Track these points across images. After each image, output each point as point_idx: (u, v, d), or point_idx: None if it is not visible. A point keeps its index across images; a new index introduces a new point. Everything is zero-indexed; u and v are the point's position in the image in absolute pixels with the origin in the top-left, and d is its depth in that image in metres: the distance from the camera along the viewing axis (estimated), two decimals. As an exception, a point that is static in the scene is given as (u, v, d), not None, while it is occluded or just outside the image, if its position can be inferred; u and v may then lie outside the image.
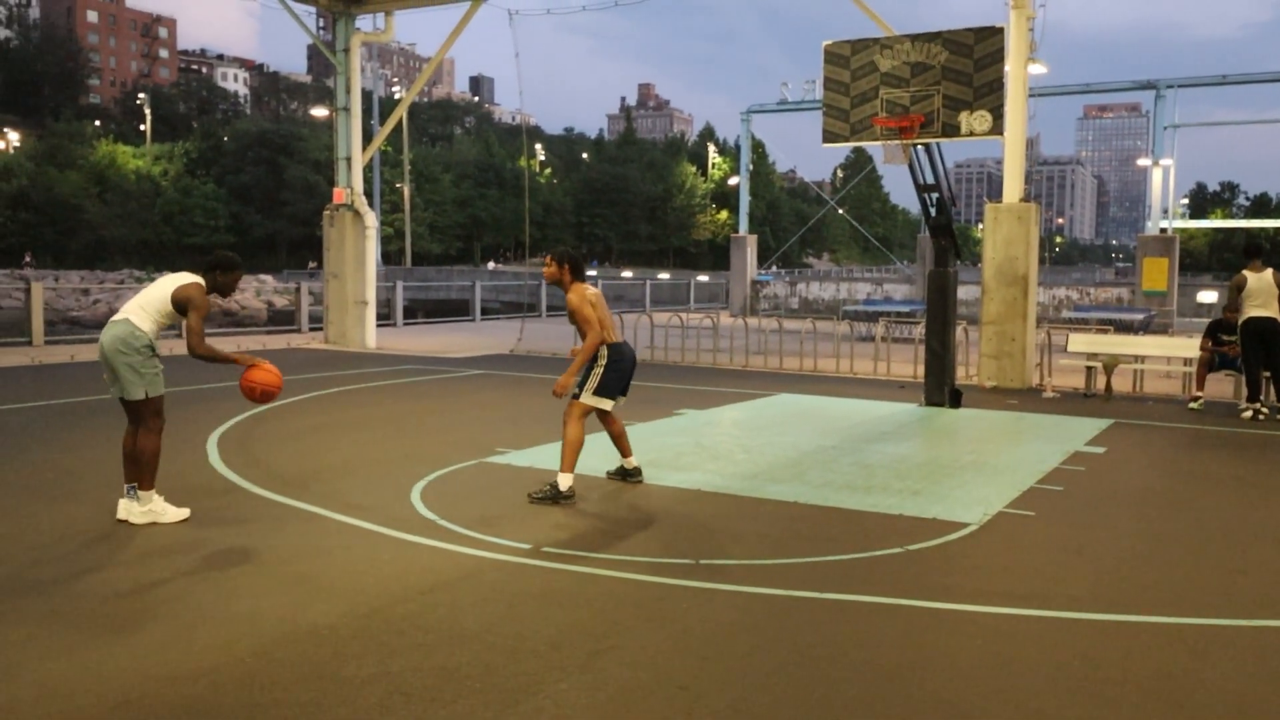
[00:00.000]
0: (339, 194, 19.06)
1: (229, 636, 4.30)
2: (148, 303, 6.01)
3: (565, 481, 6.82)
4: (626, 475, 7.53)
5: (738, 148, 46.60)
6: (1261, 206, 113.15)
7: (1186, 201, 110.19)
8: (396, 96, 72.81)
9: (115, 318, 6.02)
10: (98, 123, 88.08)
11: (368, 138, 20.30)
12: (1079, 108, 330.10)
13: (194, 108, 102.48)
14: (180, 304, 5.96)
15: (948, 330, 12.22)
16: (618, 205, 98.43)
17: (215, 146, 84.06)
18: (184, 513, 6.13)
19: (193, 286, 6.00)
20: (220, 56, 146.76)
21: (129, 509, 6.03)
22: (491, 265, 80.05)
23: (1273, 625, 4.67)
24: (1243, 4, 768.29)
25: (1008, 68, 12.14)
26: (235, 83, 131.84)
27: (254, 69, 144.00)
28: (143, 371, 5.91)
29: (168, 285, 6.06)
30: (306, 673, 3.95)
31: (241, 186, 79.86)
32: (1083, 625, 4.64)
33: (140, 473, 6.00)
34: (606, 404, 7.09)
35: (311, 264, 70.77)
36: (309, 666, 4.01)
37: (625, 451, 7.46)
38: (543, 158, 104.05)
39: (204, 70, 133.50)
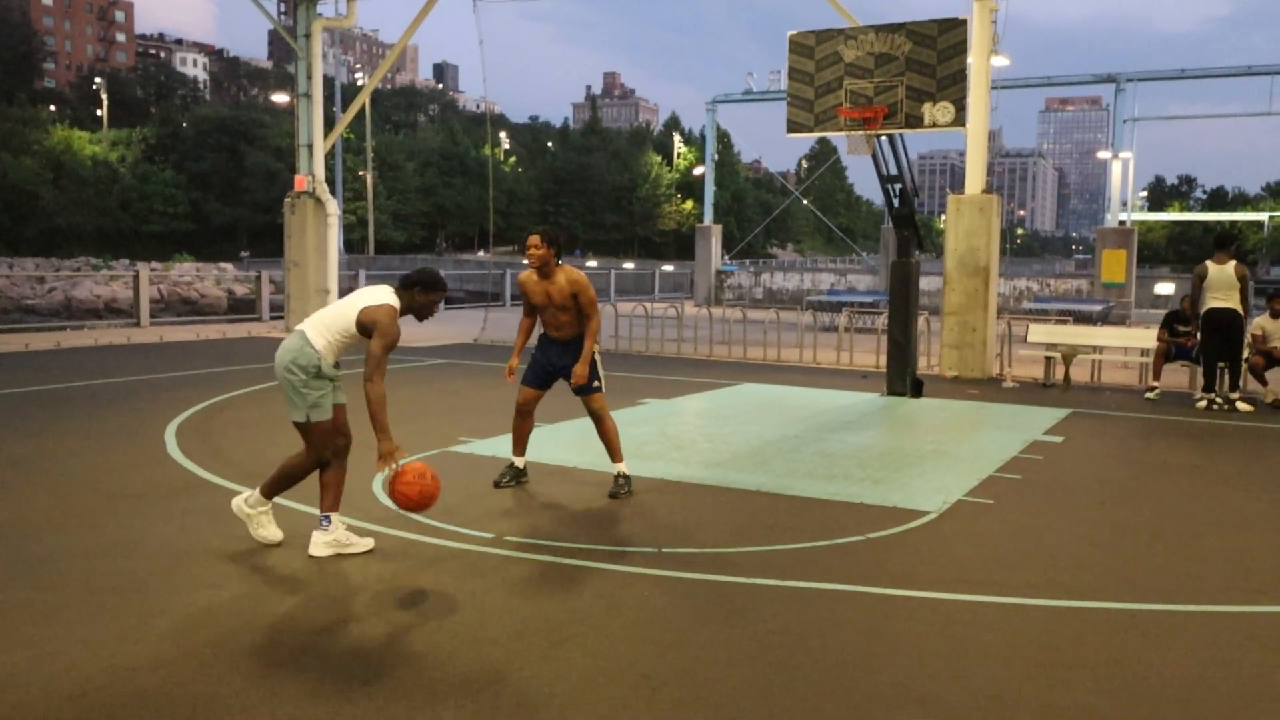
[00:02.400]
0: (300, 181, 18.85)
1: (187, 627, 4.26)
2: (331, 320, 5.22)
3: (626, 468, 6.78)
4: (520, 475, 7.05)
5: (703, 138, 46.62)
6: (1218, 200, 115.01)
7: (1145, 194, 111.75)
8: (359, 83, 72.12)
9: (296, 328, 5.32)
10: (53, 107, 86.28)
11: (330, 124, 20.08)
12: (1041, 100, 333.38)
13: (152, 93, 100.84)
14: (366, 326, 5.14)
15: (910, 320, 12.33)
16: (583, 195, 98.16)
17: (174, 133, 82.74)
18: (369, 543, 5.33)
19: (384, 310, 5.14)
20: (179, 41, 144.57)
21: (316, 542, 5.26)
22: (482, 254, 79.05)
23: (1223, 611, 4.77)
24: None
25: (970, 60, 12.24)
26: (195, 68, 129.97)
27: (214, 54, 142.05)
28: (305, 393, 5.20)
29: (356, 303, 5.20)
30: (269, 662, 3.92)
31: (201, 173, 78.70)
32: (1039, 611, 4.71)
33: (277, 487, 5.39)
34: None
35: (244, 253, 69.90)
36: (271, 656, 3.98)
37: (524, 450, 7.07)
38: (507, 146, 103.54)
39: (162, 55, 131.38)
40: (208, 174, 78.70)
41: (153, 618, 4.36)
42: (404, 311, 5.27)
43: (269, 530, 5.44)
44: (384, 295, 5.19)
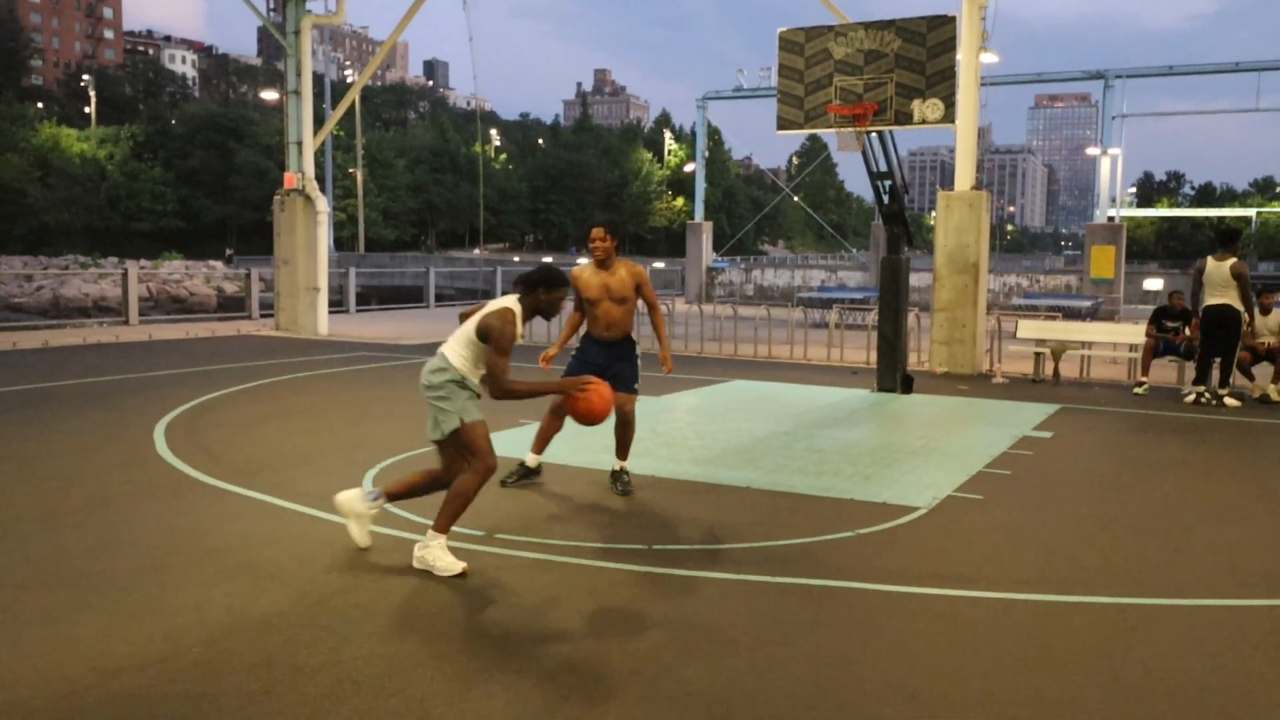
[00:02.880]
0: (290, 179, 18.78)
1: (176, 626, 4.25)
2: (459, 336, 5.16)
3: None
4: (532, 474, 7.00)
5: (694, 135, 46.61)
6: (1206, 196, 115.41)
7: (1134, 191, 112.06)
8: (349, 80, 71.83)
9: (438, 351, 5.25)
10: (40, 105, 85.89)
11: (320, 122, 20.03)
12: (1030, 97, 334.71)
13: (140, 90, 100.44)
14: (483, 334, 4.97)
15: (900, 317, 12.35)
16: (574, 192, 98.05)
17: (163, 130, 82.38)
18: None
19: (495, 314, 4.96)
20: (167, 38, 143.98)
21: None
22: (477, 252, 78.75)
23: (1209, 604, 4.79)
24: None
25: (960, 56, 12.25)
26: (183, 65, 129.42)
27: (202, 51, 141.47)
28: (452, 399, 5.02)
29: (479, 315, 5.12)
30: (255, 661, 3.91)
31: (190, 171, 78.37)
32: (1028, 606, 4.73)
33: (441, 509, 5.04)
34: None
35: (229, 250, 69.61)
36: (258, 655, 3.97)
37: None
38: (498, 143, 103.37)
39: (150, 52, 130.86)
40: (197, 171, 78.38)
41: (141, 617, 4.35)
42: (530, 313, 5.18)
43: (450, 562, 4.99)
44: (504, 302, 5.09)
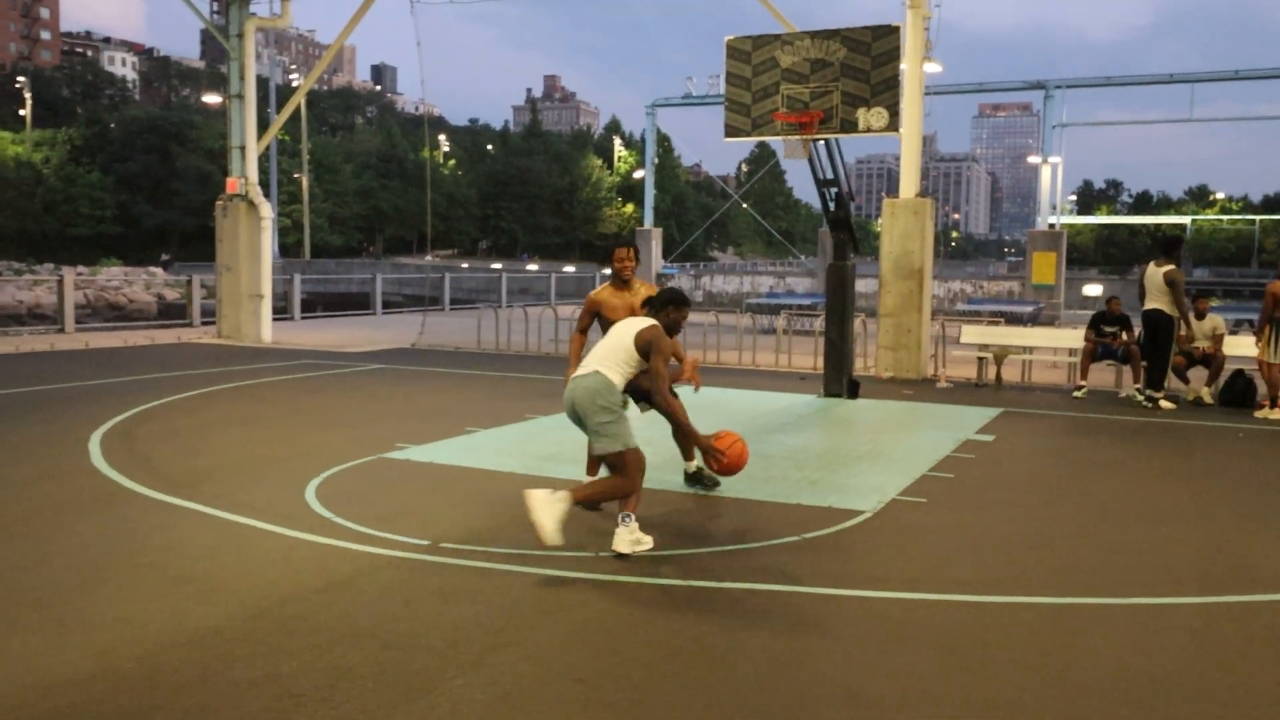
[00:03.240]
0: (232, 184, 18.51)
1: (109, 642, 4.15)
2: (612, 353, 5.67)
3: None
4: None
5: (643, 141, 46.72)
6: (1144, 204, 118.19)
7: (1074, 198, 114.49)
8: (295, 84, 70.98)
9: (582, 371, 5.69)
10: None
11: (264, 126, 19.74)
12: (974, 106, 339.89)
13: (78, 92, 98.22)
14: (644, 349, 5.60)
15: (846, 322, 12.47)
16: (523, 198, 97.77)
17: (101, 133, 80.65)
18: (649, 541, 5.58)
19: (654, 329, 5.65)
20: (107, 39, 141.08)
21: (618, 537, 5.51)
22: (430, 258, 77.58)
23: (1144, 603, 4.89)
24: (1125, 7, 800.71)
25: (904, 66, 12.42)
26: (123, 67, 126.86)
27: (143, 53, 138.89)
28: (617, 428, 5.55)
29: (627, 332, 5.68)
30: (191, 677, 3.83)
31: (130, 175, 76.83)
32: (969, 607, 4.79)
33: (588, 488, 5.72)
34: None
35: (164, 256, 68.35)
36: (194, 670, 3.89)
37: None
38: (447, 149, 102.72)
39: (89, 53, 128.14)
40: (137, 176, 76.85)
41: (73, 632, 4.25)
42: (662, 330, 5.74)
43: (554, 524, 5.25)
44: (648, 321, 5.73)
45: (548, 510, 5.25)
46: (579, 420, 5.68)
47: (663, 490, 7.08)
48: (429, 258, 79.14)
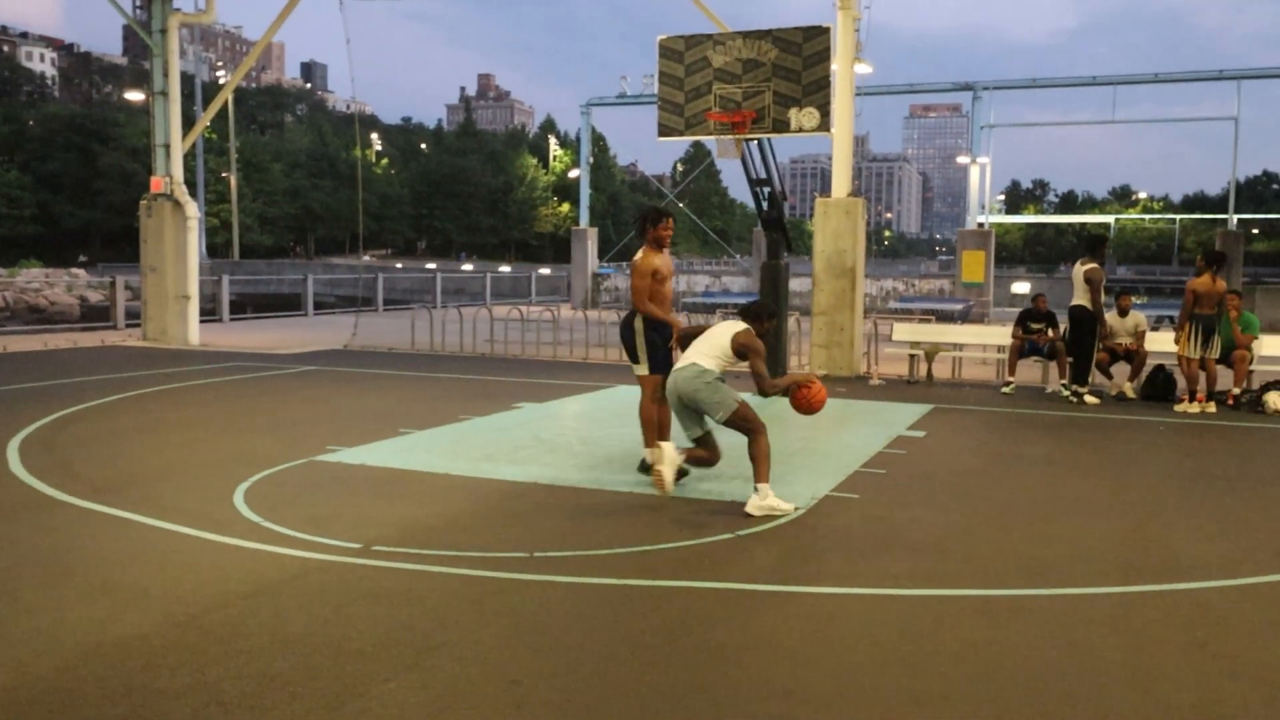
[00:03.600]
0: (157, 183, 18.06)
1: (27, 653, 4.02)
2: (709, 348, 6.64)
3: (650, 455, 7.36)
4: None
5: (578, 140, 46.66)
6: (1069, 203, 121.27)
7: (1003, 198, 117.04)
8: (222, 81, 69.48)
9: (680, 365, 6.69)
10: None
11: (190, 124, 19.30)
12: (905, 107, 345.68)
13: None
14: (741, 351, 6.57)
15: (780, 321, 12.57)
16: (458, 197, 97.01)
17: (19, 131, 78.11)
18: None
19: (745, 334, 6.62)
20: (24, 34, 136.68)
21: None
22: (368, 258, 76.48)
23: (1069, 593, 5.01)
24: (1052, 11, 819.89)
25: (835, 66, 12.58)
26: (42, 63, 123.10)
27: (63, 49, 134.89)
28: (718, 393, 6.49)
29: (724, 333, 6.64)
30: (114, 687, 3.73)
31: (50, 174, 74.53)
32: (899, 601, 4.87)
33: (756, 469, 6.46)
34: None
35: (83, 257, 66.28)
36: (117, 680, 3.79)
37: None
38: (379, 148, 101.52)
39: (5, 49, 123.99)
40: (57, 175, 74.58)
41: (-11, 645, 4.11)
42: (758, 335, 6.71)
43: (784, 505, 6.42)
44: (738, 325, 6.69)
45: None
46: (685, 406, 6.59)
47: (598, 490, 7.07)
48: (367, 257, 78.27)
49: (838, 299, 14.46)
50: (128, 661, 3.97)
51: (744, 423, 6.50)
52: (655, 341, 7.30)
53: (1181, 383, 11.70)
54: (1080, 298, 11.63)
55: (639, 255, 7.33)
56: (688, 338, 6.96)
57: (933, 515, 6.53)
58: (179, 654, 4.04)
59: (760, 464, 6.44)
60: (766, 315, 6.90)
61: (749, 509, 6.34)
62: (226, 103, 47.03)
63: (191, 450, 8.27)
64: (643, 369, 7.38)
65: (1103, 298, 11.82)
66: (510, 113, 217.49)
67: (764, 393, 6.62)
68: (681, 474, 7.14)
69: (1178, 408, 11.44)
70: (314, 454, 8.09)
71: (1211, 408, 11.27)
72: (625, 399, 11.78)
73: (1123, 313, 12.57)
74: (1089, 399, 11.78)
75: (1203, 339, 11.17)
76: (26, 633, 4.25)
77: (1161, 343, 12.65)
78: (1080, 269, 11.61)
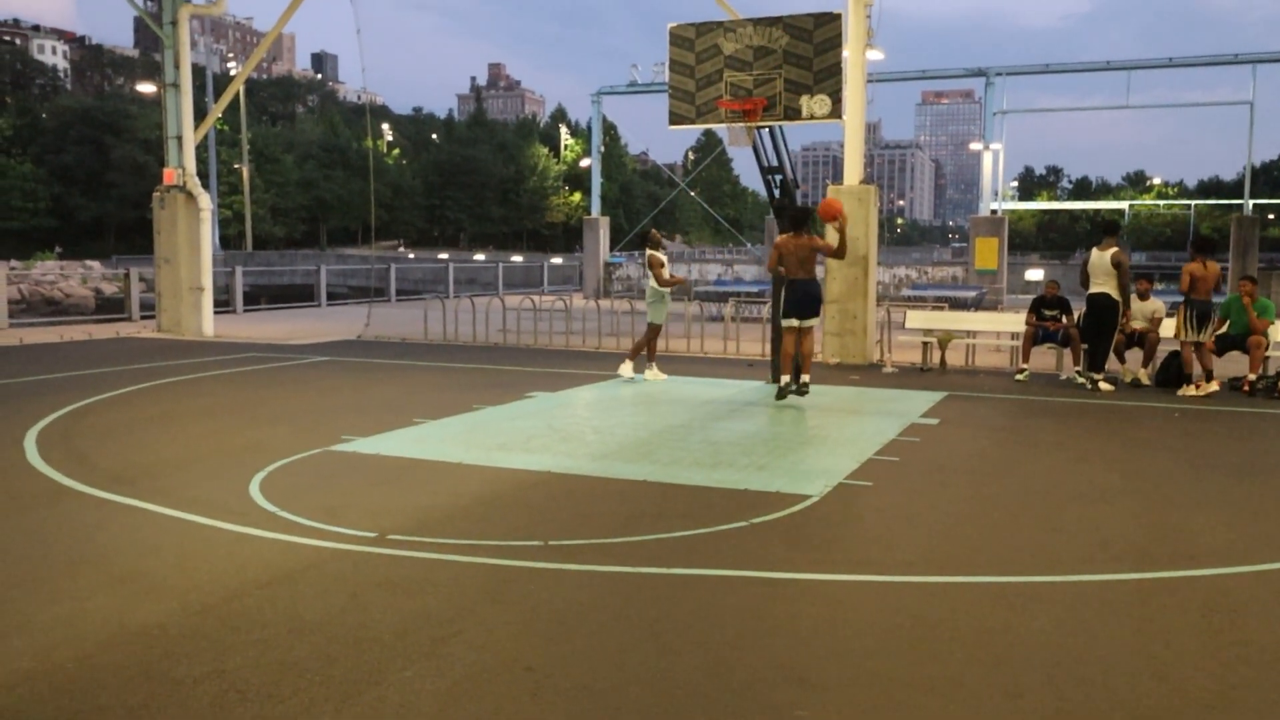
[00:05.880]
0: (169, 175, 18.14)
1: (47, 642, 4.06)
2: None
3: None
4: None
5: (589, 129, 46.56)
6: (1083, 189, 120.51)
7: (1016, 184, 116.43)
8: (232, 72, 69.58)
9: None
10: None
11: (202, 115, 19.35)
12: (917, 94, 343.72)
13: (7, 82, 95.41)
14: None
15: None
16: (469, 187, 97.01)
17: (32, 124, 78.52)
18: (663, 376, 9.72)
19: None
20: (36, 27, 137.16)
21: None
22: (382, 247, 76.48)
23: (1084, 580, 5.00)
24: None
25: (846, 53, 12.51)
26: (54, 55, 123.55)
27: (75, 41, 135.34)
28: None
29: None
30: (134, 675, 3.76)
31: (63, 167, 74.92)
32: (914, 588, 4.87)
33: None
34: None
35: (56, 248, 66.37)
36: (136, 669, 3.82)
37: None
38: (390, 138, 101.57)
39: (18, 42, 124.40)
40: (71, 168, 74.96)
41: (9, 634, 4.15)
42: None
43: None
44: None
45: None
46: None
47: (611, 479, 7.08)
48: (372, 251, 78.29)
49: (850, 287, 14.42)
50: (147, 649, 4.00)
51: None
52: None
53: (1196, 369, 11.66)
54: (1104, 284, 11.44)
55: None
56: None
57: (946, 503, 6.52)
58: (196, 642, 4.07)
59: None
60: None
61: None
62: (238, 94, 47.15)
63: (207, 441, 8.31)
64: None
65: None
66: (521, 102, 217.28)
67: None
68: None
69: (1179, 391, 11.45)
70: (329, 444, 8.12)
71: (1214, 386, 11.42)
72: (638, 388, 11.80)
73: (1142, 296, 12.53)
74: (1104, 385, 11.72)
75: (1197, 323, 11.24)
76: (46, 622, 4.29)
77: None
78: (1104, 254, 11.44)
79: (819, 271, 11.36)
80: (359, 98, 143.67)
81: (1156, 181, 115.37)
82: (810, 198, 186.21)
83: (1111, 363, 12.20)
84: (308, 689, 3.66)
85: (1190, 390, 11.33)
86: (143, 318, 20.91)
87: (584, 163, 72.17)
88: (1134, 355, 12.55)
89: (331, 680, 3.73)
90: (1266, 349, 11.78)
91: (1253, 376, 11.52)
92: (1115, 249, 11.48)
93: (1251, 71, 33.36)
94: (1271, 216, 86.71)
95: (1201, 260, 11.30)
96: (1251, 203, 36.08)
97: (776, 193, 12.54)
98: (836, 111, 11.53)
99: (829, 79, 11.50)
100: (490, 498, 6.55)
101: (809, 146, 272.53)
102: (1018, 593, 4.81)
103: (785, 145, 12.31)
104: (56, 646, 4.02)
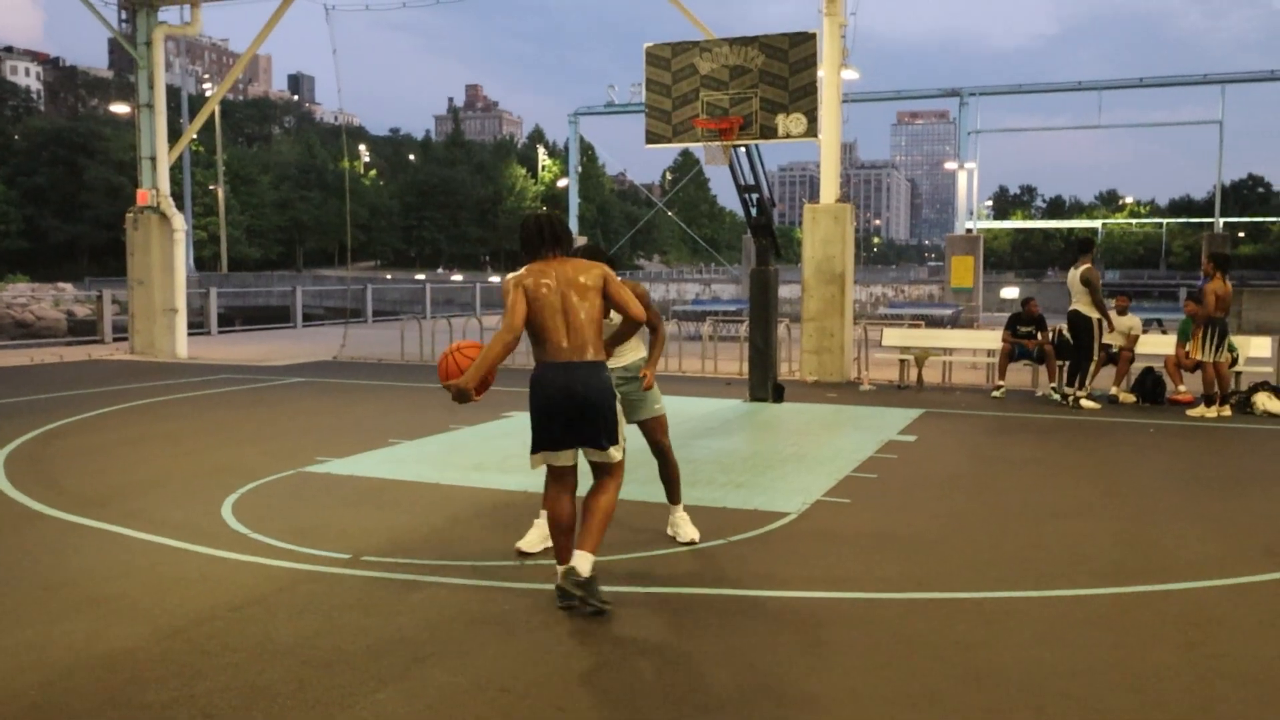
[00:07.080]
0: (143, 196, 18.00)
1: (11, 668, 3.98)
2: None
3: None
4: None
5: (567, 150, 46.69)
6: (1057, 208, 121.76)
7: (990, 203, 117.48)
8: (208, 93, 69.33)
9: None
10: None
11: (177, 136, 19.24)
12: (892, 114, 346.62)
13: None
14: None
15: (770, 327, 12.58)
16: (446, 208, 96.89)
17: (4, 145, 77.77)
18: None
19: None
20: (9, 48, 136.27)
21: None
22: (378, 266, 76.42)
23: (1062, 594, 5.00)
24: (1033, 17, 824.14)
25: (821, 73, 12.59)
26: (27, 77, 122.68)
27: (48, 62, 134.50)
28: None
29: None
30: (101, 701, 3.69)
31: (36, 188, 74.15)
32: (892, 604, 4.85)
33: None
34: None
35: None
36: (104, 695, 3.74)
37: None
38: (367, 159, 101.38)
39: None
40: (43, 189, 74.21)
41: (-27, 660, 4.06)
42: None
43: None
44: None
45: None
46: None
47: (589, 497, 7.03)
48: (350, 272, 77.91)
49: (827, 305, 14.47)
50: (115, 674, 3.92)
51: None
52: None
53: (1170, 385, 11.69)
54: (1079, 302, 11.55)
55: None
56: None
57: (924, 519, 6.52)
58: (167, 667, 4.00)
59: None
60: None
61: None
62: (213, 115, 46.93)
63: (179, 463, 8.21)
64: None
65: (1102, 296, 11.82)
66: (498, 123, 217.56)
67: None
68: None
69: (1191, 412, 11.29)
70: (303, 465, 8.04)
71: (1228, 411, 11.15)
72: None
73: (1121, 312, 12.61)
74: (1086, 403, 11.75)
75: (1217, 342, 11.09)
76: (12, 647, 4.20)
77: (1150, 345, 12.68)
78: (1077, 272, 11.57)
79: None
80: (335, 119, 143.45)
81: (1129, 200, 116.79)
82: (787, 217, 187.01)
83: (1101, 379, 12.17)
84: (280, 713, 3.59)
85: (1210, 412, 11.18)
86: (115, 340, 20.70)
87: (561, 183, 72.29)
88: (1105, 372, 12.62)
89: (304, 703, 3.67)
90: (1234, 365, 11.83)
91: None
92: (1086, 266, 11.56)
93: (1221, 91, 33.89)
94: (1242, 235, 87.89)
95: (1222, 278, 11.20)
96: (1222, 221, 36.55)
97: (754, 211, 12.59)
98: (812, 130, 11.60)
99: (804, 98, 11.57)
100: (466, 518, 6.49)
101: (786, 166, 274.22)
102: (996, 608, 4.80)
103: (762, 164, 12.37)
104: (22, 672, 3.94)
